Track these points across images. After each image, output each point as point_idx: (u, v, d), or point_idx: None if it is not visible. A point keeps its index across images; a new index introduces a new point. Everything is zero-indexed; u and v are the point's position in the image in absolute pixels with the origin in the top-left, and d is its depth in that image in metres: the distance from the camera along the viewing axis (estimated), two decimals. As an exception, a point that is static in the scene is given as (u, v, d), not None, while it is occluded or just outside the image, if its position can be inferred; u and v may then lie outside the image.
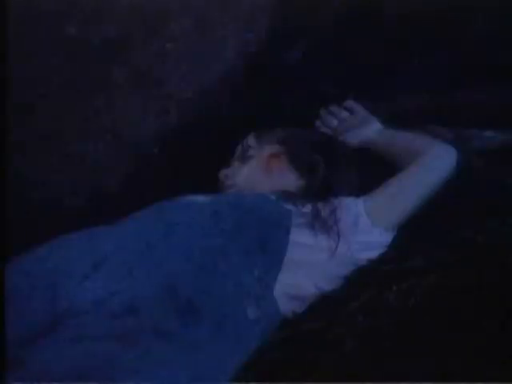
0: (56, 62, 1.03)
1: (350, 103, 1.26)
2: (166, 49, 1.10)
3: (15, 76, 0.95)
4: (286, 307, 0.92)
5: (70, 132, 1.09)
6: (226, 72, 1.19)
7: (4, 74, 0.85)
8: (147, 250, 0.84)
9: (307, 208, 1.00)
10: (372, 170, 1.14)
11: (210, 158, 1.20)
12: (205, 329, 0.78)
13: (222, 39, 1.16)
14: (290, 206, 1.00)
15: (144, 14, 1.06)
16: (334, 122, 1.25)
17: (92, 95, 1.08)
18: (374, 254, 1.00)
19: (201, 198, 0.99)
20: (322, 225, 0.97)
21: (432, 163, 1.08)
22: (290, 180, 1.11)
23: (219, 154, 1.19)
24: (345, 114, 1.26)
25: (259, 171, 1.12)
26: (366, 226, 0.99)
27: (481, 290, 0.85)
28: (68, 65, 1.04)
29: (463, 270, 0.89)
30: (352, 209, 1.01)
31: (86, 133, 1.11)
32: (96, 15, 1.02)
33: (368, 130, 1.20)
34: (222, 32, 1.15)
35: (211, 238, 0.88)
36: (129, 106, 1.11)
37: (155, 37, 1.08)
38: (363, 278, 0.97)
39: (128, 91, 1.10)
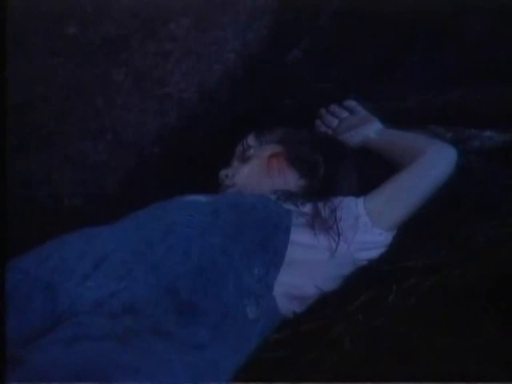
0: (56, 61, 1.03)
1: (350, 103, 1.26)
2: (165, 49, 1.10)
3: (15, 76, 0.95)
4: (286, 307, 0.92)
5: (70, 132, 1.09)
6: (226, 72, 1.19)
7: (4, 74, 0.85)
8: (147, 249, 0.84)
9: (307, 208, 1.00)
10: (372, 170, 1.14)
11: (210, 158, 1.20)
12: (205, 329, 0.78)
13: (222, 39, 1.16)
14: (290, 206, 1.00)
15: (144, 13, 1.05)
16: (335, 122, 1.25)
17: (92, 95, 1.08)
18: (374, 253, 1.00)
19: (201, 198, 0.99)
20: (322, 225, 0.97)
21: (432, 163, 1.08)
22: (290, 180, 1.11)
23: (219, 153, 1.19)
24: (345, 113, 1.26)
25: (259, 171, 1.13)
26: (366, 226, 0.99)
27: (481, 290, 0.85)
28: (68, 65, 1.04)
29: (463, 270, 0.89)
30: (352, 208, 1.01)
31: (86, 133, 1.11)
32: (96, 15, 1.02)
33: (368, 129, 1.20)
34: (222, 32, 1.15)
35: (211, 238, 0.88)
36: (129, 106, 1.11)
37: (155, 37, 1.08)
38: (363, 278, 0.97)
39: (128, 91, 1.10)
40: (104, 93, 1.09)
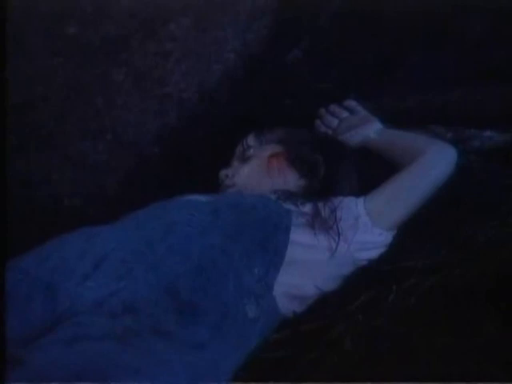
0: (56, 61, 1.03)
1: (350, 103, 1.26)
2: (165, 49, 1.10)
3: (15, 76, 0.95)
4: (286, 307, 0.92)
5: (70, 132, 1.10)
6: (226, 72, 1.19)
7: (4, 74, 0.85)
8: (147, 249, 0.84)
9: (307, 208, 1.00)
10: (372, 170, 1.14)
11: (210, 158, 1.20)
12: (205, 328, 0.78)
13: (222, 39, 1.16)
14: (290, 206, 1.00)
15: (144, 13, 1.05)
16: (335, 122, 1.25)
17: (92, 95, 1.08)
18: (374, 253, 1.00)
19: (201, 198, 0.99)
20: (322, 224, 0.97)
21: (432, 162, 1.08)
22: (291, 180, 1.11)
23: (219, 153, 1.19)
24: (345, 113, 1.26)
25: (259, 171, 1.13)
26: (366, 226, 0.99)
27: (481, 290, 0.85)
28: (68, 65, 1.04)
29: (463, 270, 0.89)
30: (352, 208, 1.01)
31: (86, 133, 1.11)
32: (96, 15, 1.02)
33: (368, 129, 1.19)
34: (222, 32, 1.15)
35: (211, 237, 0.88)
36: (129, 106, 1.11)
37: (155, 37, 1.08)
38: (363, 278, 0.97)
39: (128, 91, 1.10)
40: (104, 93, 1.09)
